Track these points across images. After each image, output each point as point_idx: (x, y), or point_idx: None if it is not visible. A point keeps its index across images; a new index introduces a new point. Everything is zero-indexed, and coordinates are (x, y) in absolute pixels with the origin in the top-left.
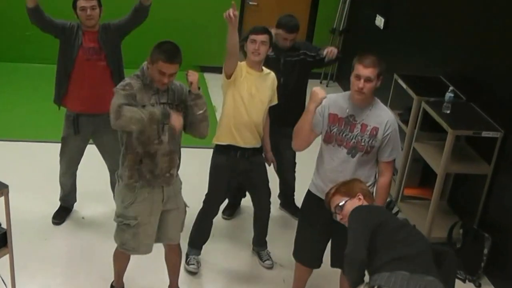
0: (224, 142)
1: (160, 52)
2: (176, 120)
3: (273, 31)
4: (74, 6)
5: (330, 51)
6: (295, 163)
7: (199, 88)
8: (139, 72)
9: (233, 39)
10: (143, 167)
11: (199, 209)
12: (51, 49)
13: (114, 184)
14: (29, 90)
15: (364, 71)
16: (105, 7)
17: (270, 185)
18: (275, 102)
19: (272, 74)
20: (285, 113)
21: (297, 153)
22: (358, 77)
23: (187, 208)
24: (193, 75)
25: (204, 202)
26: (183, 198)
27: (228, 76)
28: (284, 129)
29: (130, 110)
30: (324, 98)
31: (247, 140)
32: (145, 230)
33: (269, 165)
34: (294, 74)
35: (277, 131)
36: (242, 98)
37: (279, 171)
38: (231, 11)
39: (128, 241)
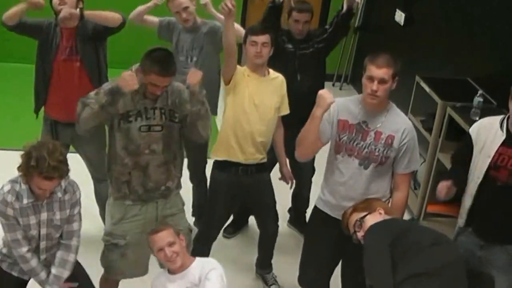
0: (221, 157)
1: (153, 64)
2: (127, 77)
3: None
4: (51, 1)
5: None
6: (314, 170)
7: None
8: None
9: (230, 36)
10: (133, 180)
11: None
12: (31, 47)
13: (99, 195)
14: (5, 92)
15: (377, 72)
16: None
17: (281, 197)
18: (286, 112)
19: (281, 78)
20: (303, 115)
21: (316, 159)
22: (371, 78)
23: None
24: (194, 75)
25: (202, 224)
26: (186, 220)
27: (227, 81)
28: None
29: (85, 111)
30: (333, 103)
31: (249, 155)
32: (135, 251)
33: (287, 183)
34: (311, 69)
35: (294, 136)
36: (243, 106)
37: (296, 184)
38: (227, 1)
39: (115, 263)
